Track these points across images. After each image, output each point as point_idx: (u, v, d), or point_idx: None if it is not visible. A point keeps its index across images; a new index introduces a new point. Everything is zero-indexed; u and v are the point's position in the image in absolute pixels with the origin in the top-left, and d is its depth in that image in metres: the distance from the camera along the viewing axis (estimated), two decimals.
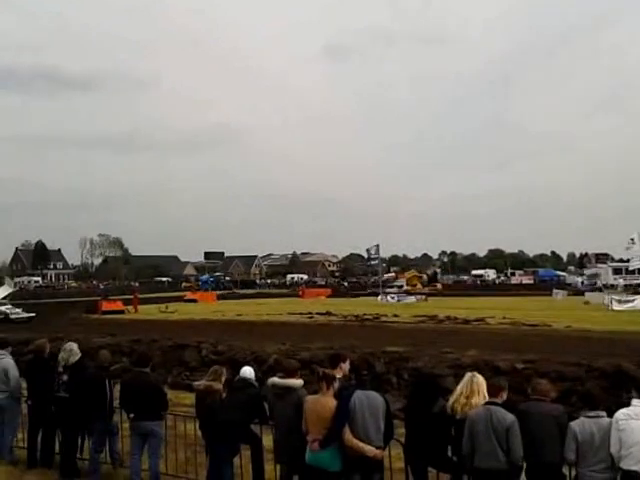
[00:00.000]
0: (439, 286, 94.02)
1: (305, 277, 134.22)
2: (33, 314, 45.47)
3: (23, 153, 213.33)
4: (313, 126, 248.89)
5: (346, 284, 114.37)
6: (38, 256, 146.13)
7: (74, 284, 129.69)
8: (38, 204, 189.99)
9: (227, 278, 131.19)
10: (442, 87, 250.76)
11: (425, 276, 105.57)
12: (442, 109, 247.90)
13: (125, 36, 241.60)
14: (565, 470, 7.38)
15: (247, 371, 9.87)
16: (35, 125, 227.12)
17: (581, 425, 7.12)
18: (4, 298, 47.55)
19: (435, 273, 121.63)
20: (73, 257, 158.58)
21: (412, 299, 68.44)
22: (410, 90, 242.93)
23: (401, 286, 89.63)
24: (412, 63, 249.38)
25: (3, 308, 45.60)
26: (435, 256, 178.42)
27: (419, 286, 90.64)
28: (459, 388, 7.89)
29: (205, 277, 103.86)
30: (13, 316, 44.46)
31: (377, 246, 78.98)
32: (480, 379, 7.89)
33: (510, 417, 7.20)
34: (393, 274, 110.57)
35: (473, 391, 7.74)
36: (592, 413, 7.18)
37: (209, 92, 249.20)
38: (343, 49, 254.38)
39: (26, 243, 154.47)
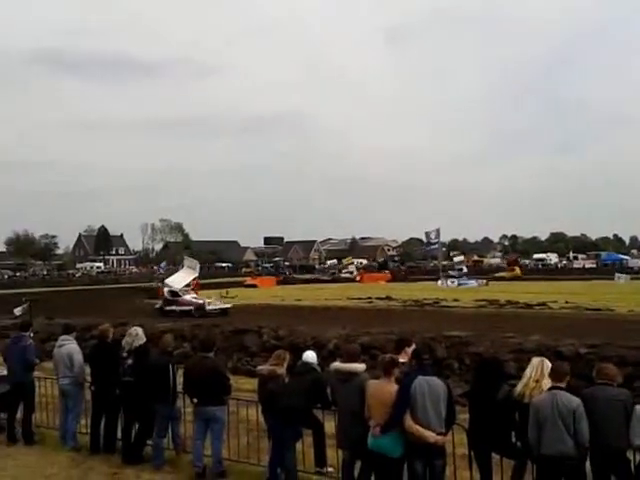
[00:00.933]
0: (517, 270, 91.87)
1: (364, 262, 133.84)
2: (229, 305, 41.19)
3: (88, 138, 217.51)
4: (376, 110, 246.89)
5: (402, 268, 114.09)
6: (101, 242, 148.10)
7: (135, 269, 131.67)
8: (102, 189, 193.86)
9: (286, 263, 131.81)
10: (504, 69, 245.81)
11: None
12: (503, 91, 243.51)
13: (193, 21, 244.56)
14: (629, 455, 7.30)
15: (310, 355, 9.87)
16: (101, 110, 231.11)
17: None
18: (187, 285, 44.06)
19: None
20: (135, 242, 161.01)
21: (473, 283, 67.87)
22: (472, 72, 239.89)
23: (461, 269, 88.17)
24: (474, 46, 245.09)
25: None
26: (496, 240, 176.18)
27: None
28: (528, 372, 7.83)
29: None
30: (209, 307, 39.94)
31: (437, 230, 78.41)
32: (549, 364, 7.85)
33: (576, 400, 7.15)
34: (462, 257, 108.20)
35: (543, 375, 7.70)
36: None
37: (277, 77, 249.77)
38: (404, 31, 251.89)
39: (89, 229, 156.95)
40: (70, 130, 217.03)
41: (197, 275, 47.36)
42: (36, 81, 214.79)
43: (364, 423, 7.97)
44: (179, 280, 44.13)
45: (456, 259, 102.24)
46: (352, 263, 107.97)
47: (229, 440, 10.02)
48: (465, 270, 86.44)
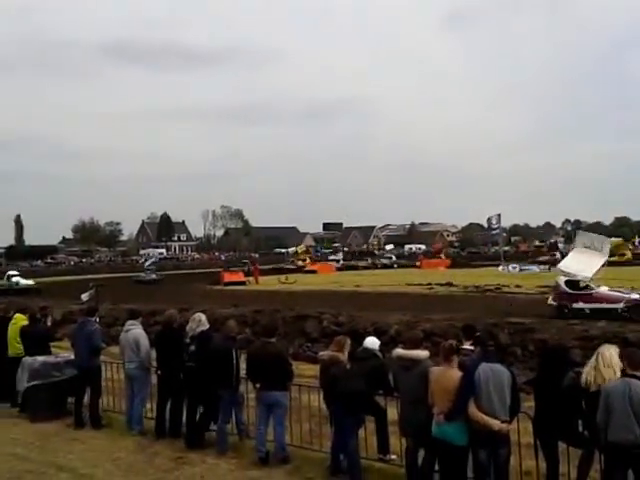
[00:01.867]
0: (558, 256, 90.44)
1: (423, 247, 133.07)
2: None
3: (151, 126, 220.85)
4: (438, 95, 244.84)
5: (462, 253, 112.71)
6: (163, 228, 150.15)
7: (197, 255, 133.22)
8: (164, 176, 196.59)
9: (345, 249, 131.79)
10: (568, 52, 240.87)
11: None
12: (567, 73, 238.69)
13: (256, 8, 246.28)
14: None
15: (371, 341, 9.86)
16: (163, 99, 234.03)
17: None
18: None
19: (556, 242, 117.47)
20: (196, 229, 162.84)
21: (535, 269, 66.88)
22: (535, 55, 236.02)
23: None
24: (539, 29, 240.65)
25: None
26: (558, 225, 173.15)
27: (628, 255, 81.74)
28: (593, 360, 7.63)
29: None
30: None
31: (498, 215, 77.52)
32: (614, 351, 7.64)
33: None
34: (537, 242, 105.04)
35: (607, 363, 7.48)
36: None
37: (339, 62, 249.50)
38: (468, 13, 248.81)
39: (152, 216, 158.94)
40: (134, 119, 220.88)
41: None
42: (103, 71, 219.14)
43: (427, 410, 7.89)
44: (583, 266, 27.01)
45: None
46: (307, 251, 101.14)
47: (291, 426, 10.03)
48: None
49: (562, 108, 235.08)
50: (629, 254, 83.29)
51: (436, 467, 8.08)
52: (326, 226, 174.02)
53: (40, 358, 12.58)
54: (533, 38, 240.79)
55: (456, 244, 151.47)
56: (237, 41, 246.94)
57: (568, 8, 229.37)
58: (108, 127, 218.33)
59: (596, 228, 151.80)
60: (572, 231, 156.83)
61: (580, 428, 7.75)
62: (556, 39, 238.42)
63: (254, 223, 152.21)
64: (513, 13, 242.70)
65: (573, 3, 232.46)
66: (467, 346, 8.20)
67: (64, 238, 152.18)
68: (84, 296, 31.37)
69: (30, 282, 54.96)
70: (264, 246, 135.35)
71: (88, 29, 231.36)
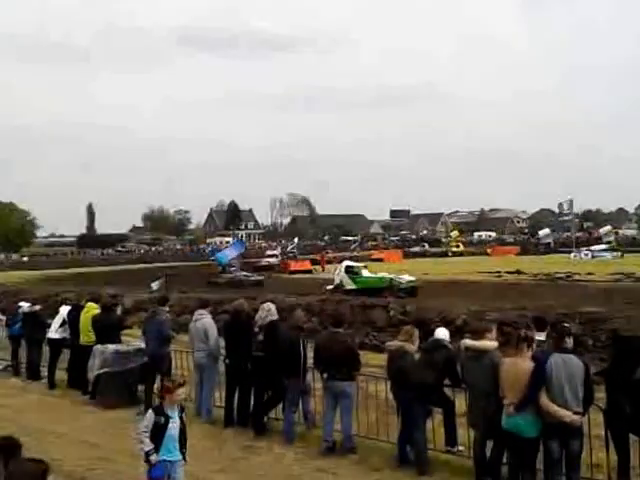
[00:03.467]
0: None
1: (493, 234, 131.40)
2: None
3: (219, 113, 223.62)
4: (514, 78, 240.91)
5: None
6: (231, 216, 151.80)
7: (264, 244, 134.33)
8: (232, 164, 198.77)
9: (412, 236, 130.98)
10: None
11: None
12: None
13: None
14: None
15: (442, 332, 9.80)
16: (232, 85, 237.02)
17: None
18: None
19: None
20: (264, 217, 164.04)
21: (607, 256, 65.55)
22: (616, 35, 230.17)
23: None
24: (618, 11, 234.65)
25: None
26: (631, 210, 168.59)
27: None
28: None
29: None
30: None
31: (570, 201, 76.34)
32: None
33: None
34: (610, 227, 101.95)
35: None
36: None
37: (412, 47, 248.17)
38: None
39: (220, 204, 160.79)
40: (203, 106, 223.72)
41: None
42: (175, 59, 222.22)
43: (497, 401, 7.79)
44: None
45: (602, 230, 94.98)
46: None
47: (358, 415, 10.05)
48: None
49: (636, 89, 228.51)
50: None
51: (504, 459, 8.00)
52: (393, 213, 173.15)
53: (111, 346, 12.85)
54: (607, 20, 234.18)
55: (526, 230, 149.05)
56: (307, 28, 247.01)
57: None
58: (178, 114, 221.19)
59: None
60: None
61: None
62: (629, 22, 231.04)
63: (321, 211, 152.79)
64: None
65: None
66: (539, 337, 8.04)
67: (134, 227, 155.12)
68: (154, 285, 32.01)
69: None
70: (331, 234, 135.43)
71: (163, 17, 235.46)
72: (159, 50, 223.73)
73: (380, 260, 72.41)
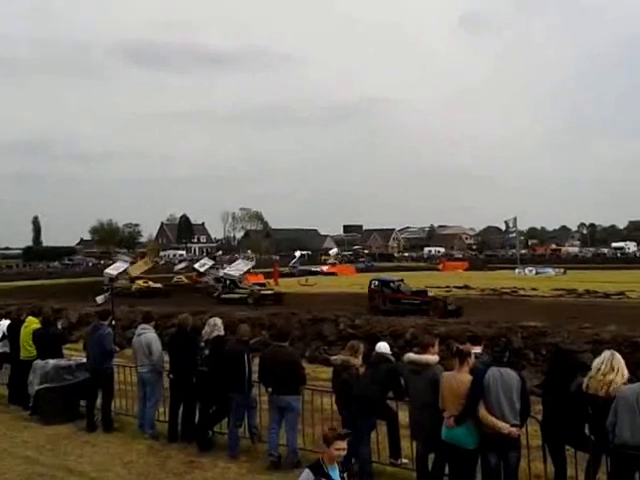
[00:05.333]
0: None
1: (442, 250, 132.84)
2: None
3: (168, 129, 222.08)
4: (453, 98, 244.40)
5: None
6: (183, 230, 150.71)
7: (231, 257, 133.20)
8: (182, 179, 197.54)
9: (365, 251, 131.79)
10: (585, 55, 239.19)
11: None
12: (583, 77, 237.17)
13: (269, 11, 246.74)
14: None
15: (382, 346, 9.83)
16: (180, 101, 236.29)
17: None
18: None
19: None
20: (216, 231, 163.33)
21: (550, 272, 66.86)
22: (552, 60, 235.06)
23: None
24: (557, 33, 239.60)
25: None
26: (574, 228, 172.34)
27: None
28: (596, 365, 7.62)
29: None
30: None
31: (515, 219, 77.67)
32: (619, 356, 7.61)
33: None
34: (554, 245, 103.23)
35: (612, 369, 7.46)
36: None
37: (356, 66, 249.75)
38: (482, 16, 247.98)
39: (171, 217, 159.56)
40: (153, 122, 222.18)
41: None
42: (119, 74, 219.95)
43: (437, 414, 7.90)
44: None
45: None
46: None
47: (304, 429, 10.05)
48: None
49: (580, 111, 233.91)
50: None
51: (446, 471, 8.07)
52: (346, 228, 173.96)
53: (52, 361, 12.59)
54: (550, 41, 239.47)
55: (474, 247, 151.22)
56: (255, 45, 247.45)
57: (585, 9, 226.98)
58: (126, 129, 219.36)
59: (611, 231, 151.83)
60: (587, 234, 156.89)
61: (587, 432, 7.74)
62: (572, 41, 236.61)
63: (274, 225, 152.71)
64: (529, 16, 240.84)
65: (589, 5, 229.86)
66: (476, 351, 8.17)
67: (82, 240, 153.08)
68: (99, 299, 31.48)
69: None
70: (284, 248, 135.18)
71: (104, 31, 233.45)
72: (105, 65, 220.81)
73: (334, 274, 72.53)
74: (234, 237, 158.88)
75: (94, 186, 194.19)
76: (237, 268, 47.54)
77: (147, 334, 11.66)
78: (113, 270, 52.62)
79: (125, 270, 52.44)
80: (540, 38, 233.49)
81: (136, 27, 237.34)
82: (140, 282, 50.74)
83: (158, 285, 51.08)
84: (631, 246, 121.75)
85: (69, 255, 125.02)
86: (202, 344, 10.91)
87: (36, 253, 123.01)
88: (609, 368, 7.44)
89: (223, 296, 42.13)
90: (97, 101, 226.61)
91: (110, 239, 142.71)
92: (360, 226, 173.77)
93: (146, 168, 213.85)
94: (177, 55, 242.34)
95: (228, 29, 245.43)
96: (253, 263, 56.16)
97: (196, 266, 57.82)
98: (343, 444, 5.88)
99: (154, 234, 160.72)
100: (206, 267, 55.83)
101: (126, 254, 64.53)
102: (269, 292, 43.25)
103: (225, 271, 47.34)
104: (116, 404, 12.38)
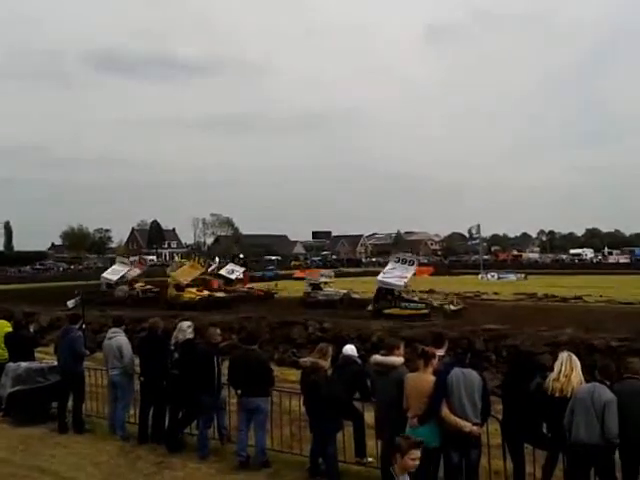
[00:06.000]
0: None
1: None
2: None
3: (140, 135, 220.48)
4: (417, 106, 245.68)
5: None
6: (153, 235, 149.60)
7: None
8: (153, 184, 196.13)
9: (334, 257, 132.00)
10: (541, 68, 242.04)
11: None
12: (542, 87, 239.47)
13: (238, 21, 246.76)
14: None
15: (349, 349, 9.91)
16: (151, 108, 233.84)
17: None
18: None
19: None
20: (187, 236, 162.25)
21: (512, 277, 67.72)
22: (511, 72, 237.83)
23: None
24: (513, 44, 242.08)
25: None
26: (534, 235, 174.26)
27: None
28: (558, 367, 7.78)
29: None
30: None
31: (478, 226, 78.47)
32: (575, 358, 7.80)
33: (609, 395, 7.16)
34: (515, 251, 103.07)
35: (572, 369, 7.65)
36: None
37: (321, 76, 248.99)
38: (446, 30, 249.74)
39: (142, 223, 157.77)
40: (123, 128, 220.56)
41: None
42: (89, 81, 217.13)
43: (402, 414, 7.99)
44: None
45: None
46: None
47: (273, 430, 10.08)
48: None
49: (536, 121, 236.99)
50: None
51: None
52: (315, 234, 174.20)
53: (24, 364, 12.53)
54: (507, 54, 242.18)
55: (439, 252, 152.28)
56: (223, 53, 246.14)
57: (542, 24, 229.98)
58: (97, 136, 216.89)
59: (569, 239, 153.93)
60: (547, 241, 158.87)
61: (545, 430, 7.91)
62: (529, 55, 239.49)
63: (244, 231, 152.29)
64: (489, 29, 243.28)
65: (547, 19, 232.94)
66: (439, 353, 8.28)
67: (53, 244, 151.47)
68: (70, 303, 31.15)
69: None
70: (254, 253, 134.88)
71: (75, 39, 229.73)
72: (74, 72, 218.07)
73: (302, 279, 72.53)
74: (204, 242, 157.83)
75: (65, 191, 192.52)
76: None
77: (118, 337, 11.65)
78: (112, 275, 47.19)
79: (123, 275, 46.68)
80: (497, 50, 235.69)
81: (106, 35, 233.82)
82: (139, 285, 46.04)
83: (221, 294, 42.24)
84: (588, 252, 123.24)
85: (40, 260, 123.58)
86: (172, 347, 10.89)
87: (7, 258, 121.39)
88: (569, 369, 7.63)
89: (386, 311, 30.51)
90: (68, 108, 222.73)
91: (81, 244, 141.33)
92: (329, 232, 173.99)
93: (117, 174, 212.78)
94: (146, 63, 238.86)
95: (197, 38, 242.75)
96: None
97: (223, 272, 50.08)
98: (418, 453, 5.70)
99: (125, 239, 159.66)
100: (237, 274, 50.00)
101: (124, 257, 58.40)
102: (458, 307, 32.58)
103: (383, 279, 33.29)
104: (87, 406, 12.34)
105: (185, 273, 43.84)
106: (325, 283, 41.76)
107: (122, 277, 46.57)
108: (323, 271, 51.15)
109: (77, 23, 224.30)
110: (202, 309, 32.62)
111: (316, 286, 40.87)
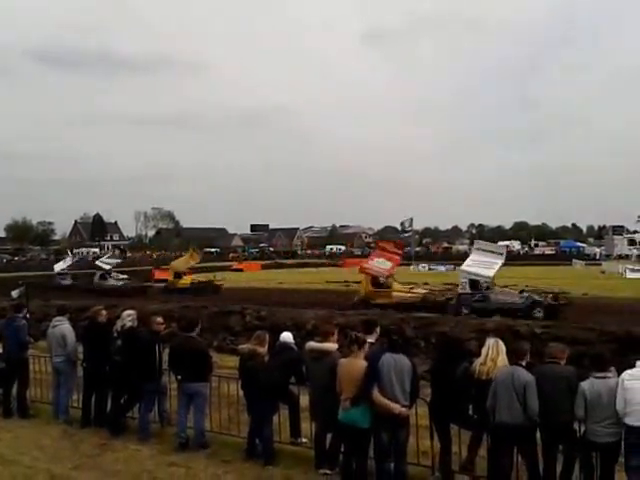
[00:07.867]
0: None
1: (343, 248, 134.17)
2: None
3: (83, 129, 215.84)
4: (352, 107, 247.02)
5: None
6: (96, 228, 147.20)
7: (129, 254, 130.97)
8: (95, 179, 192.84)
9: (271, 249, 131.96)
10: (475, 68, 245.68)
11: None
12: (473, 88, 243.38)
13: (177, 20, 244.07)
14: (575, 426, 7.47)
15: (286, 336, 9.96)
16: (94, 105, 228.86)
17: (590, 385, 7.21)
18: None
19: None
20: (129, 229, 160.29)
21: (442, 268, 68.94)
22: (444, 73, 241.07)
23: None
24: (449, 47, 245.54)
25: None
26: (464, 228, 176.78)
27: None
28: (485, 352, 7.98)
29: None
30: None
31: (411, 219, 79.29)
32: (502, 343, 8.02)
33: (529, 376, 7.38)
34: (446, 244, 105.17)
35: (498, 354, 7.86)
36: (600, 374, 7.24)
37: (262, 76, 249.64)
38: (382, 33, 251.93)
39: (84, 216, 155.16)
40: (66, 122, 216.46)
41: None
42: (29, 76, 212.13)
43: (335, 397, 8.07)
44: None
45: None
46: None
47: (211, 413, 10.06)
48: None
49: (467, 118, 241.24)
50: None
51: (342, 449, 8.29)
52: (253, 227, 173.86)
53: None
54: (442, 57, 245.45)
55: (372, 245, 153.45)
56: (164, 50, 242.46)
57: (475, 26, 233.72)
58: (37, 130, 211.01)
59: (498, 231, 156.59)
60: (476, 234, 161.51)
61: (470, 412, 8.12)
62: (465, 57, 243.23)
63: (184, 224, 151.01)
64: (422, 32, 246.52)
65: (480, 21, 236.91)
66: (369, 339, 8.41)
67: None
68: (14, 293, 30.63)
69: None
70: (194, 246, 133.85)
71: (15, 33, 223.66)
72: (15, 67, 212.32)
73: (240, 270, 72.47)
74: (146, 235, 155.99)
75: (8, 185, 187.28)
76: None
77: (61, 326, 11.53)
78: (105, 264, 52.41)
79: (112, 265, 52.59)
80: (430, 54, 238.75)
81: (47, 30, 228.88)
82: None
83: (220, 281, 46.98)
84: (515, 244, 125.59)
85: None
86: (115, 335, 10.80)
87: None
88: (495, 354, 7.86)
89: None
90: (8, 102, 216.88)
91: (24, 236, 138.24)
92: (266, 225, 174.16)
93: (60, 168, 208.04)
94: (88, 58, 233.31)
95: (138, 34, 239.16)
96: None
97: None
98: None
99: (68, 232, 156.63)
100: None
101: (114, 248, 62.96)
102: None
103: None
104: (31, 392, 12.18)
105: (183, 262, 50.19)
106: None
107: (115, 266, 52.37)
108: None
109: (17, 17, 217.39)
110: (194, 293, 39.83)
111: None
